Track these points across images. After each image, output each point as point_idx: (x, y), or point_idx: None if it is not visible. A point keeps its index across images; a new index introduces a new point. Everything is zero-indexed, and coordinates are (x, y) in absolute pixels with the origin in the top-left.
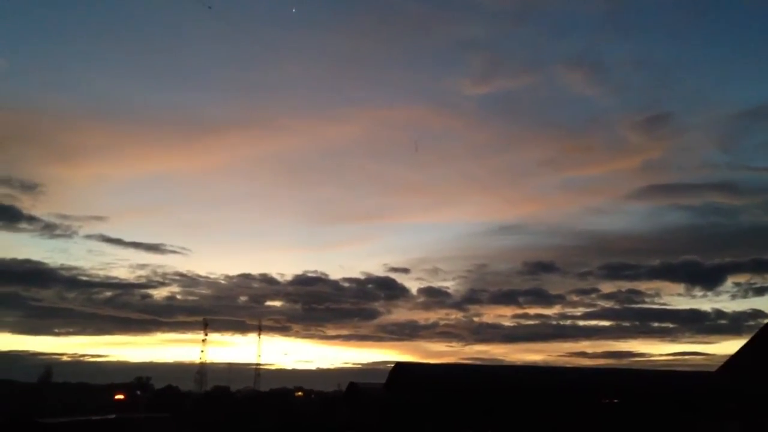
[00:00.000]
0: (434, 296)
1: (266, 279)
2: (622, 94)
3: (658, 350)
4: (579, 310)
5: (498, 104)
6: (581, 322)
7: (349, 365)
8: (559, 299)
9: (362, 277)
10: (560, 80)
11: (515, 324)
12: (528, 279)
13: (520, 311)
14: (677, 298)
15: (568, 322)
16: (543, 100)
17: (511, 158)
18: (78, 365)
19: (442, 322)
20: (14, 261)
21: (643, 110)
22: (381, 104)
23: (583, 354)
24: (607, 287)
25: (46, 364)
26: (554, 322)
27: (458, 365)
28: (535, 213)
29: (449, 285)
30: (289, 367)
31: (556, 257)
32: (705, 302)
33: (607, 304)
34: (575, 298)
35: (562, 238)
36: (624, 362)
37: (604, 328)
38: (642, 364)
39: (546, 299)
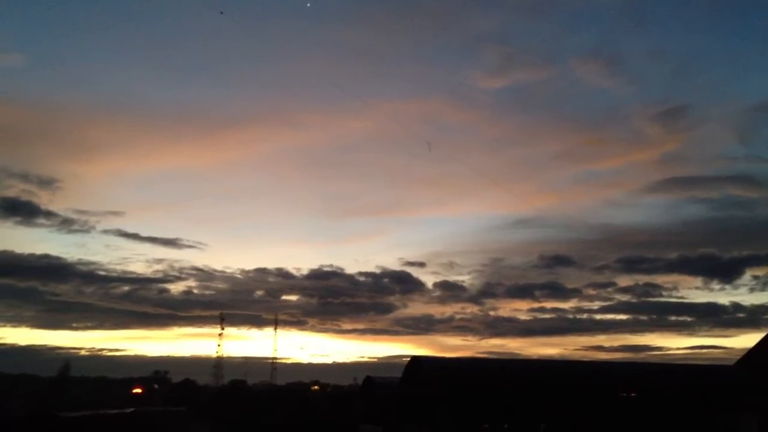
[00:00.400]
0: (450, 290)
1: (282, 273)
2: (639, 86)
3: (675, 344)
4: (596, 304)
5: (513, 97)
6: (598, 316)
7: (365, 359)
8: (575, 293)
9: (378, 271)
10: (576, 73)
11: (531, 318)
12: (544, 273)
13: (536, 305)
14: (695, 291)
15: (585, 315)
16: (559, 92)
17: (527, 151)
18: (96, 359)
19: (457, 316)
20: (32, 256)
21: (661, 102)
22: (396, 98)
23: (599, 348)
24: (624, 281)
25: (65, 359)
26: (571, 316)
27: (475, 359)
28: (552, 206)
29: (465, 279)
30: (305, 361)
31: (573, 251)
32: (723, 295)
33: (624, 298)
34: (592, 291)
35: (578, 232)
36: (641, 356)
37: (621, 321)
38: (659, 357)
39: (562, 293)
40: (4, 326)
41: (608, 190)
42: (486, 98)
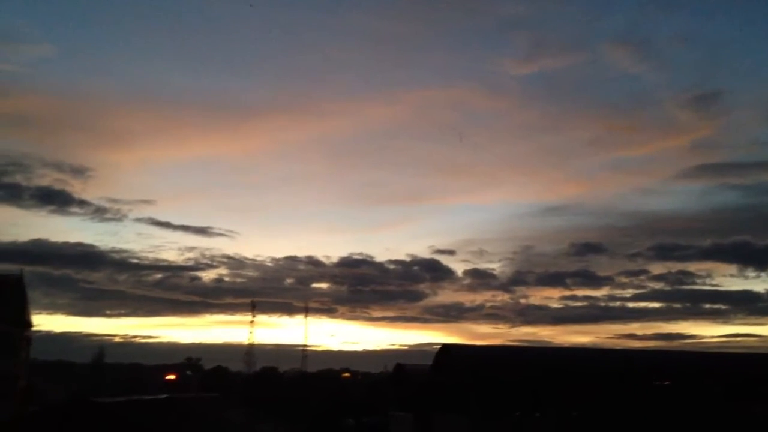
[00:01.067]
0: (480, 278)
1: (312, 261)
2: (671, 71)
3: (709, 332)
4: (628, 292)
5: (543, 84)
6: (630, 304)
7: (396, 347)
8: (607, 281)
9: (408, 259)
10: (606, 58)
11: (563, 306)
12: (575, 260)
13: (567, 293)
14: (729, 278)
15: (617, 303)
16: (589, 78)
17: (557, 138)
18: (130, 346)
19: (488, 304)
20: (66, 244)
21: (692, 88)
22: (424, 85)
23: (632, 336)
24: (656, 268)
25: (99, 345)
26: (603, 304)
27: (506, 347)
28: (583, 194)
29: (495, 267)
30: (335, 348)
31: (604, 238)
32: (758, 283)
33: (657, 286)
34: (624, 279)
35: (610, 219)
36: (674, 344)
37: (653, 309)
38: (693, 346)
39: (594, 281)
40: (40, 313)
41: (640, 177)
42: (515, 85)
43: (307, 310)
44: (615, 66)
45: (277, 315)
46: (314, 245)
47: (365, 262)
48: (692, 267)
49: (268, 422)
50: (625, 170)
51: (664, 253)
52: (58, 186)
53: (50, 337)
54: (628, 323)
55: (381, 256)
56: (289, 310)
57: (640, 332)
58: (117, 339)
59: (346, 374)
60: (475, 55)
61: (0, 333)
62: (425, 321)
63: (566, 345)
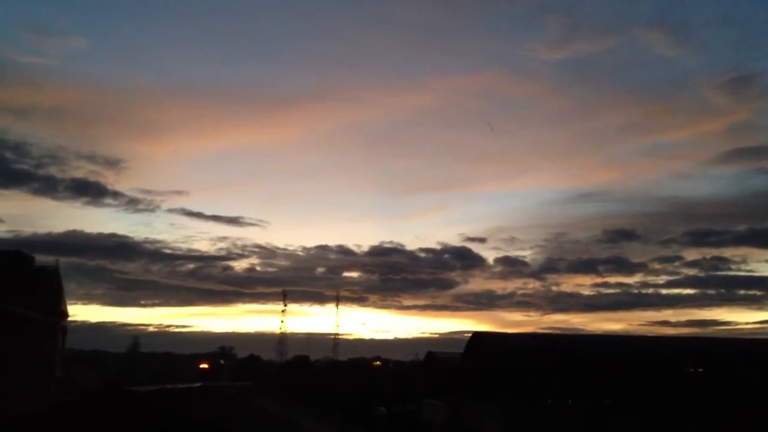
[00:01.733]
0: (511, 265)
1: (343, 250)
2: (707, 54)
3: (744, 318)
4: (662, 278)
5: (576, 69)
6: (664, 291)
7: (426, 335)
8: (640, 267)
9: (438, 247)
10: (641, 42)
11: (595, 293)
12: (608, 247)
13: (599, 280)
14: (765, 264)
15: (650, 290)
16: (623, 63)
17: (591, 124)
18: (163, 335)
19: (519, 292)
20: (101, 235)
21: (729, 71)
22: (455, 72)
23: (665, 323)
24: (691, 254)
25: (134, 335)
26: (636, 291)
27: (537, 334)
28: (616, 179)
29: (526, 254)
30: (366, 337)
31: (638, 224)
32: None
33: (691, 272)
34: (658, 266)
35: (643, 205)
36: (708, 331)
37: (687, 296)
38: (727, 332)
39: (627, 267)
40: (76, 304)
41: (674, 162)
42: (548, 70)
43: (338, 299)
44: (650, 49)
45: (309, 304)
46: (345, 234)
47: (396, 251)
48: (727, 252)
49: (300, 410)
50: (659, 155)
51: (698, 238)
52: (92, 178)
53: (86, 327)
54: (661, 310)
55: (412, 244)
56: (320, 299)
57: (673, 319)
58: (151, 328)
59: (378, 362)
60: (507, 40)
61: (38, 323)
62: (456, 309)
63: (598, 332)
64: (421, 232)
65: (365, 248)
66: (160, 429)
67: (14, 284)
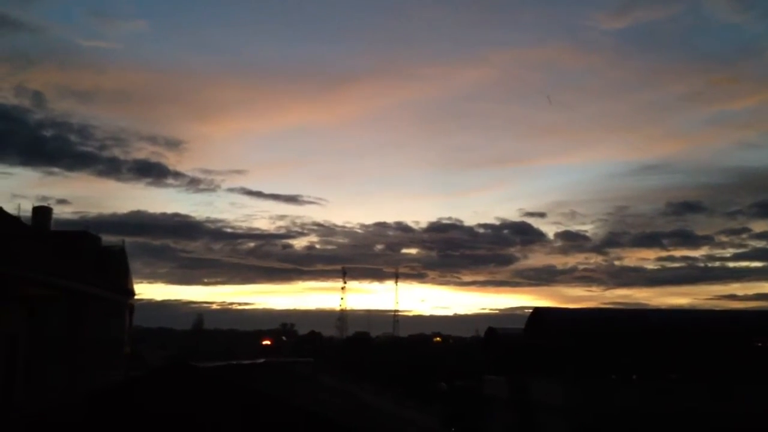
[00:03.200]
0: (572, 240)
1: (401, 227)
2: None
3: None
4: (728, 251)
5: (638, 38)
6: (731, 264)
7: (486, 311)
8: (706, 240)
9: (497, 222)
10: (704, 8)
11: (659, 267)
12: (672, 220)
13: (664, 254)
14: None
15: (717, 263)
16: (686, 30)
17: (653, 94)
18: (227, 313)
19: (580, 267)
20: (164, 215)
21: None
22: (514, 45)
23: (732, 297)
24: (758, 226)
25: (198, 312)
26: (701, 264)
27: (600, 309)
28: (680, 150)
29: (588, 228)
30: (426, 313)
31: (703, 196)
32: None
33: (760, 244)
34: (724, 238)
35: (709, 176)
36: None
37: (755, 269)
38: None
39: (692, 240)
40: (141, 282)
41: (742, 132)
42: (608, 40)
43: (397, 276)
44: (714, 15)
45: (368, 281)
46: (403, 211)
47: (454, 227)
48: None
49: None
50: (725, 124)
51: (766, 210)
52: (154, 159)
53: (151, 305)
54: (728, 284)
55: (470, 220)
56: (379, 276)
57: (740, 293)
58: (214, 306)
59: (437, 339)
60: (565, 11)
61: (107, 301)
62: (516, 285)
63: (663, 307)
64: (479, 207)
65: (424, 225)
66: (225, 402)
67: (83, 264)
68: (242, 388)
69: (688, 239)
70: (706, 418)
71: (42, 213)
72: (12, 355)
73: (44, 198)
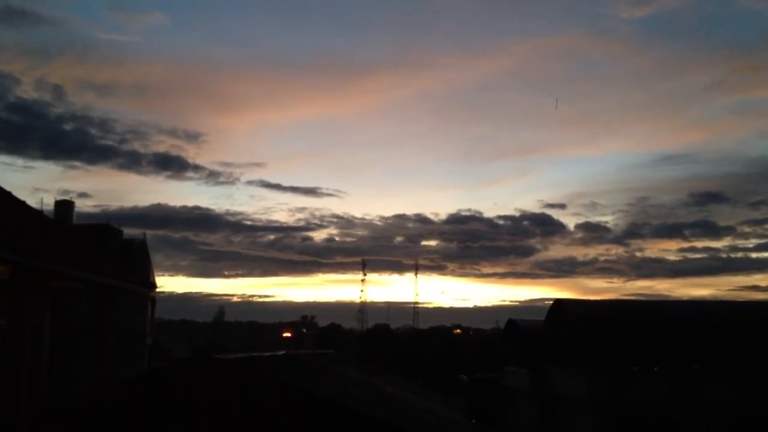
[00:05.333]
0: (593, 231)
1: (421, 219)
2: None
3: None
4: (751, 242)
5: (659, 26)
6: (754, 254)
7: (506, 303)
8: (729, 231)
9: (517, 214)
10: None
11: (681, 258)
12: (694, 210)
13: (686, 245)
14: None
15: (740, 254)
16: (708, 18)
17: (675, 83)
18: (247, 305)
19: (601, 258)
20: (184, 208)
21: None
22: (534, 34)
23: (756, 288)
24: None
25: (219, 305)
26: (724, 255)
27: (622, 301)
28: (702, 140)
29: (608, 219)
30: (446, 305)
31: (726, 186)
32: None
33: None
34: (747, 229)
35: (732, 166)
36: None
37: None
38: None
39: (715, 231)
40: (163, 275)
41: (764, 121)
42: (629, 28)
43: (417, 268)
44: (736, 3)
45: (388, 273)
46: (422, 203)
47: (474, 218)
48: None
49: (382, 377)
50: (748, 113)
51: None
52: (174, 152)
53: (173, 298)
54: (751, 274)
55: (490, 211)
56: (399, 268)
57: (764, 284)
58: (235, 299)
59: (458, 330)
60: None
61: (129, 294)
62: (536, 276)
63: (685, 298)
64: (499, 199)
65: (443, 216)
66: (246, 393)
67: (105, 257)
68: (266, 379)
69: (711, 230)
70: (727, 409)
71: (64, 206)
72: (37, 346)
73: (66, 191)
